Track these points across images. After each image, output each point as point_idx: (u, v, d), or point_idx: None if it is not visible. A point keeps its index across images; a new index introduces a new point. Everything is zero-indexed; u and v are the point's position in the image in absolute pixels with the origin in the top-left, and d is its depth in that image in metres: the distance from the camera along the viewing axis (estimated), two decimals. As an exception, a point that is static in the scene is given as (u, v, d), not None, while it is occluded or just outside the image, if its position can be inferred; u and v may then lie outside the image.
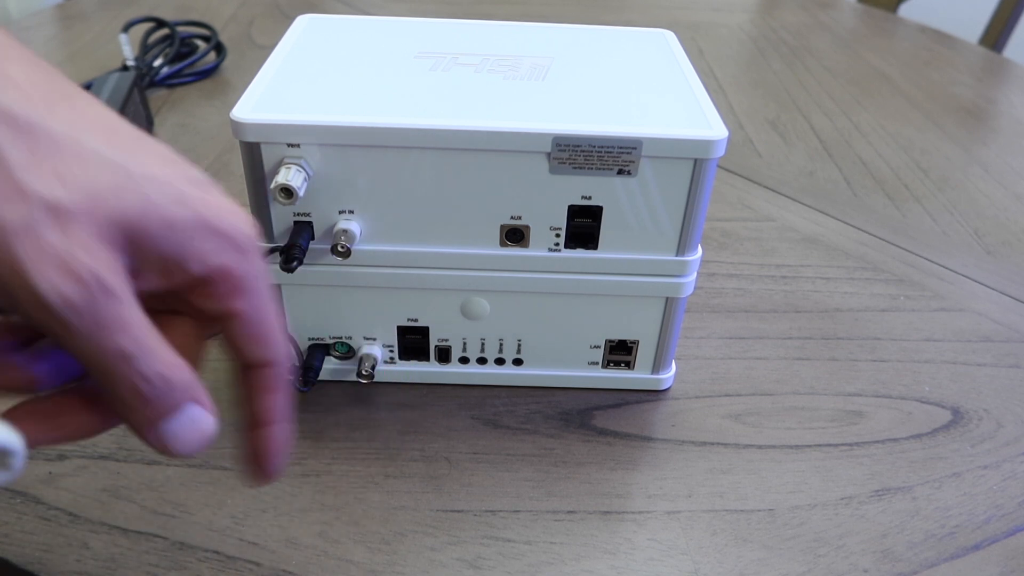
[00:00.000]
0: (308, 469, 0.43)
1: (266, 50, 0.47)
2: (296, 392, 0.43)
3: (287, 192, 0.39)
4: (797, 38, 1.07)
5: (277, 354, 0.28)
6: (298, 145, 0.39)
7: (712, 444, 0.46)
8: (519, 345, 0.47)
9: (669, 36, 0.52)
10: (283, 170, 0.39)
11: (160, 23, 0.87)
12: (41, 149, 0.22)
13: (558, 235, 0.42)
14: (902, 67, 0.99)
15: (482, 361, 0.47)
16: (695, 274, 0.44)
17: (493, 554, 0.39)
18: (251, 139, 0.39)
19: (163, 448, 0.26)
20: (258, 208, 0.41)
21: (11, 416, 0.25)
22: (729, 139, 0.40)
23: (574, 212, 0.42)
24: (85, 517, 0.39)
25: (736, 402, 0.49)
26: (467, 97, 0.42)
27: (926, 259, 0.63)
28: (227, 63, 0.89)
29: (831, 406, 0.49)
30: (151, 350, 0.24)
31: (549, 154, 0.40)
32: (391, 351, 0.47)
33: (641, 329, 0.46)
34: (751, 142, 0.80)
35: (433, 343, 0.46)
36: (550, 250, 0.43)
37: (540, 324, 0.46)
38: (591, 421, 0.47)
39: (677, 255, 0.43)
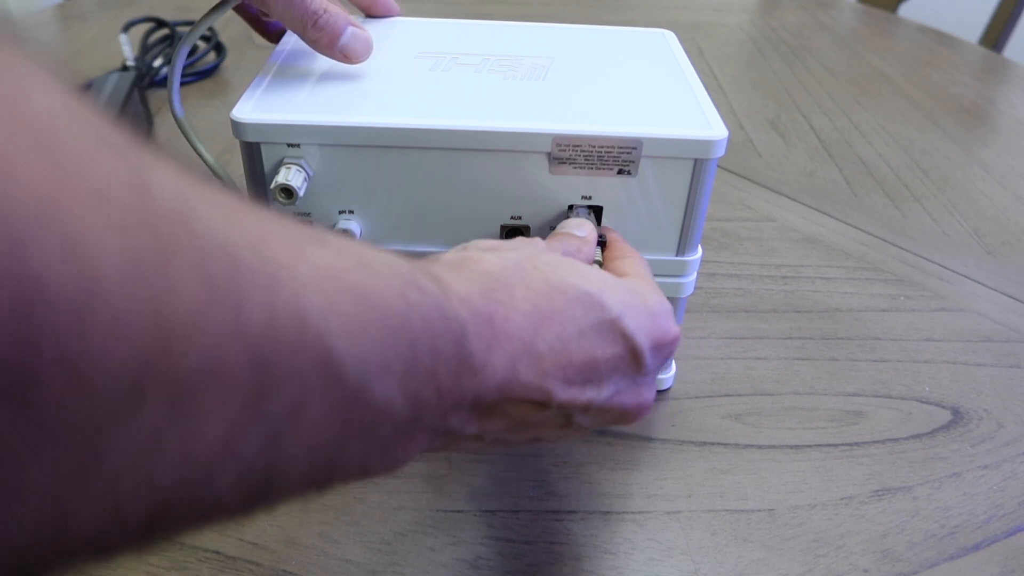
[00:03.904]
0: (308, 469, 0.43)
1: (266, 50, 0.47)
2: None
3: (287, 192, 0.39)
4: (797, 38, 1.07)
5: None
6: (298, 145, 0.39)
7: (712, 444, 0.46)
8: (519, 345, 0.46)
9: (669, 36, 0.52)
10: (283, 170, 0.39)
11: (160, 23, 0.87)
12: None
13: (558, 235, 0.42)
14: (902, 67, 1.00)
15: (482, 361, 0.47)
16: (695, 274, 0.44)
17: (493, 554, 0.39)
18: (251, 139, 0.39)
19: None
20: (258, 208, 0.41)
21: None
22: (729, 139, 0.40)
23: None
24: (85, 517, 0.39)
25: (736, 402, 0.49)
26: (467, 97, 0.42)
27: (926, 259, 0.63)
28: (227, 63, 0.89)
29: (831, 406, 0.49)
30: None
31: (549, 154, 0.40)
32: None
33: (641, 329, 0.46)
34: (751, 142, 0.80)
35: (433, 343, 0.46)
36: (550, 250, 0.43)
37: (540, 324, 0.46)
38: (591, 421, 0.47)
39: (677, 255, 0.43)
